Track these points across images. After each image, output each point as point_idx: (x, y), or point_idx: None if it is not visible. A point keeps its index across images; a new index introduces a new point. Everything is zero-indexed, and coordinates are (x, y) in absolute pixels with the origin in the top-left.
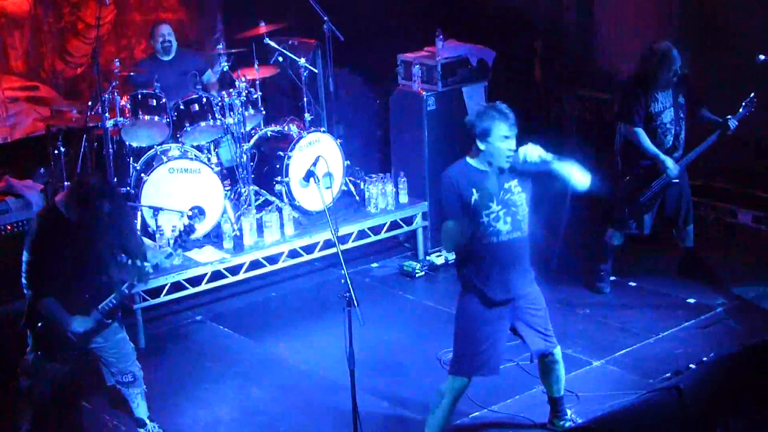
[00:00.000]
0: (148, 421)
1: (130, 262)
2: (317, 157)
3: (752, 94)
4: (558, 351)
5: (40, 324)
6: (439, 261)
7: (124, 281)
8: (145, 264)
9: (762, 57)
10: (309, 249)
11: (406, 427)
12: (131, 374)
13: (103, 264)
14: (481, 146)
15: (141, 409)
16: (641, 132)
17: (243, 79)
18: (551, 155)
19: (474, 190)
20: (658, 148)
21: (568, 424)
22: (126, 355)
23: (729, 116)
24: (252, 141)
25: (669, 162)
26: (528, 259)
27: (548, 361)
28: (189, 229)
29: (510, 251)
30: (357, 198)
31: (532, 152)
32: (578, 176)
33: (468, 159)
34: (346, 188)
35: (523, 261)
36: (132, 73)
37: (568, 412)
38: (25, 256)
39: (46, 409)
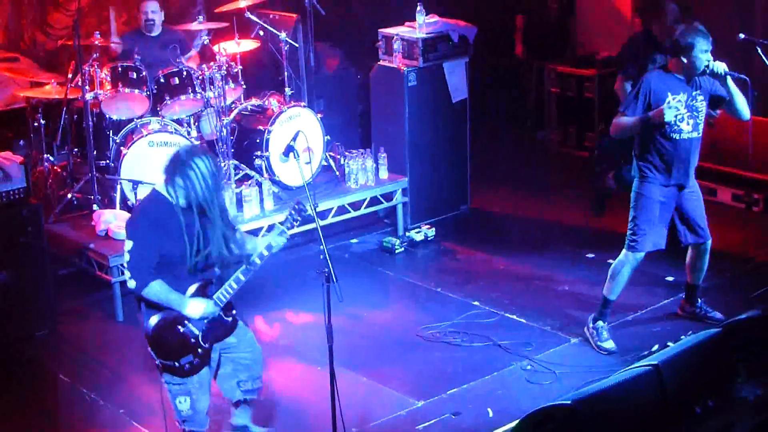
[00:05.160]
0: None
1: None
2: (297, 131)
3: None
4: (708, 243)
5: (155, 321)
6: (419, 237)
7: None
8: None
9: (742, 35)
10: None
11: (386, 402)
12: (260, 378)
13: (214, 249)
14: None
15: (245, 416)
16: None
17: (224, 52)
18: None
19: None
20: None
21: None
22: (258, 358)
23: None
24: (232, 115)
25: None
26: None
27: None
28: (301, 208)
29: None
30: (337, 173)
31: (720, 65)
32: (742, 102)
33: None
34: (326, 163)
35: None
36: (112, 45)
37: (699, 300)
38: (127, 245)
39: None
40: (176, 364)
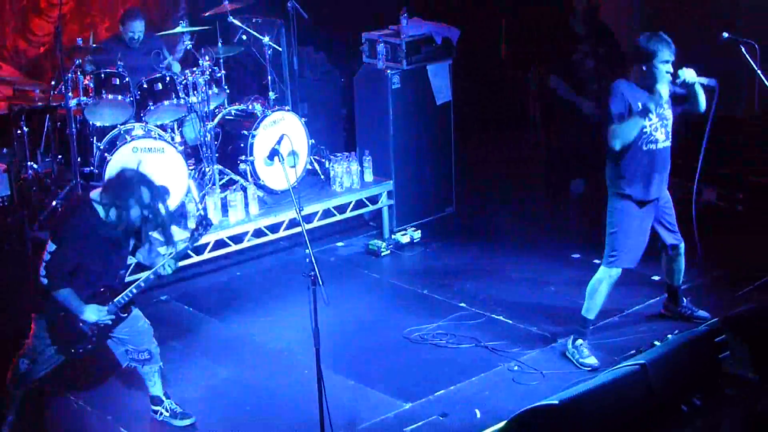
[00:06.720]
0: (164, 398)
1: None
2: (282, 135)
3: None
4: (682, 246)
5: (60, 314)
6: (405, 240)
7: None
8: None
9: (726, 34)
10: (274, 228)
11: (373, 404)
12: (147, 351)
13: (126, 261)
14: (643, 67)
15: (157, 387)
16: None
17: (207, 57)
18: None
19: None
20: None
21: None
22: (140, 333)
23: None
24: (216, 120)
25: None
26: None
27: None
28: (206, 222)
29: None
30: (322, 177)
31: (689, 74)
32: (702, 99)
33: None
34: (311, 167)
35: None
36: (94, 46)
37: (684, 299)
38: (51, 247)
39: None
40: (72, 350)
